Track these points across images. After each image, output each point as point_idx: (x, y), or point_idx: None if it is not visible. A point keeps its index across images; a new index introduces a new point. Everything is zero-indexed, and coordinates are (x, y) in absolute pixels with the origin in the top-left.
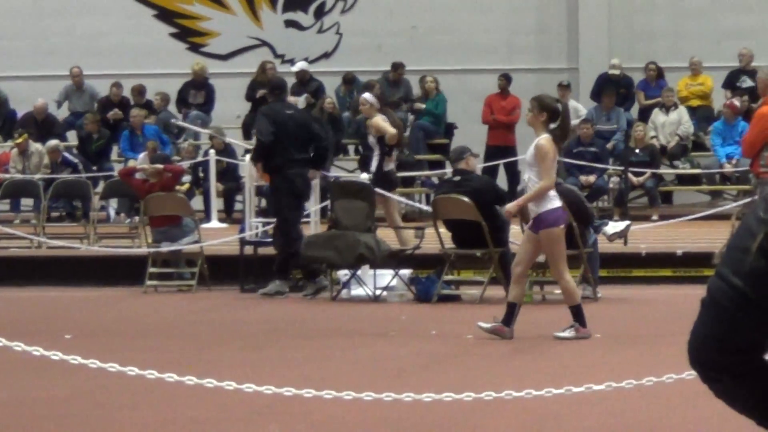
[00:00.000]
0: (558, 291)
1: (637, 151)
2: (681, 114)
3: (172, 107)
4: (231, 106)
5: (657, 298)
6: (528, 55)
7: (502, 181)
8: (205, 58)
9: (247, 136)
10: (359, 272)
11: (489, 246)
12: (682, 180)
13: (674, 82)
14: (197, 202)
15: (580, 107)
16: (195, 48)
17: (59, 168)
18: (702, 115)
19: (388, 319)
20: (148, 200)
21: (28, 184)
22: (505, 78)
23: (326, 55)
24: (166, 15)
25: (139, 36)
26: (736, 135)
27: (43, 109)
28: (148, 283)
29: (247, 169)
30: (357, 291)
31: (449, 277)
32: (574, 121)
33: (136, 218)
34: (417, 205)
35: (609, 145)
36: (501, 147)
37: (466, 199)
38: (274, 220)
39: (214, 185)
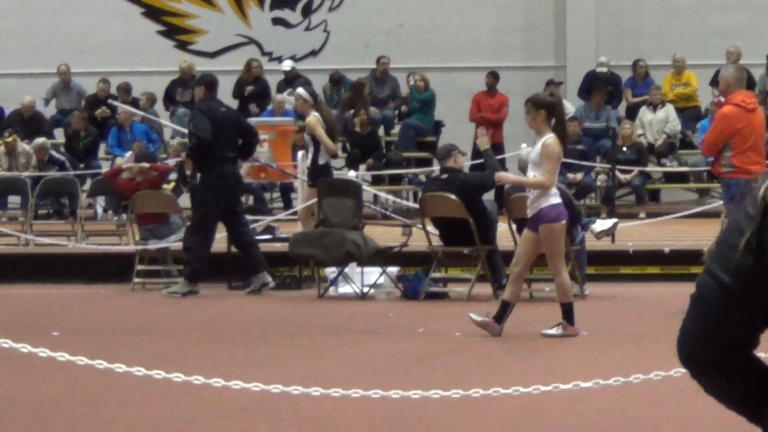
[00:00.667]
0: (546, 288)
1: (625, 149)
2: (668, 112)
3: (158, 106)
4: None
5: (644, 296)
6: (515, 53)
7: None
8: (193, 56)
9: None
10: (347, 270)
11: (477, 243)
12: (670, 178)
13: (660, 80)
14: (184, 200)
15: (568, 105)
16: (183, 46)
17: (46, 166)
18: (689, 114)
19: (376, 317)
20: (135, 198)
21: (15, 181)
22: (493, 76)
23: (314, 53)
24: (153, 13)
25: (126, 34)
26: None
27: (31, 107)
28: (136, 280)
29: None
30: (344, 288)
31: (437, 275)
32: None
33: (124, 216)
34: (404, 202)
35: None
36: None
37: (453, 196)
38: (262, 217)
39: None
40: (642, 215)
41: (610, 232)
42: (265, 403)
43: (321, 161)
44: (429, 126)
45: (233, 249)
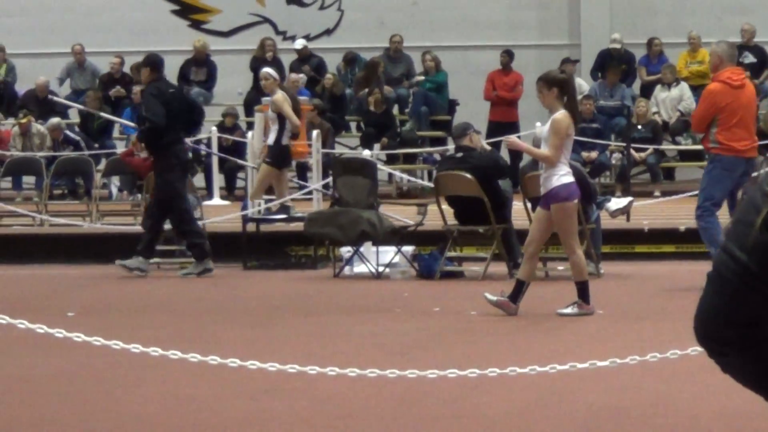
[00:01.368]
0: (561, 267)
1: (639, 127)
2: (683, 90)
3: None
4: (232, 83)
5: (660, 274)
6: (529, 31)
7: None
8: (207, 35)
9: (248, 113)
10: (362, 249)
11: (492, 222)
12: (685, 156)
13: (674, 58)
14: (199, 180)
15: (583, 83)
16: (196, 25)
17: (61, 146)
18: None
19: (391, 296)
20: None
21: (30, 161)
22: (508, 54)
23: (328, 32)
24: None
25: (140, 13)
26: None
27: (45, 87)
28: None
29: (250, 146)
30: (359, 268)
31: (452, 254)
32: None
33: (139, 195)
34: (419, 181)
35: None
36: (503, 123)
37: (468, 175)
38: (272, 197)
39: (216, 162)
40: (657, 193)
41: (625, 211)
42: (282, 383)
43: (284, 141)
44: (443, 105)
45: (247, 229)
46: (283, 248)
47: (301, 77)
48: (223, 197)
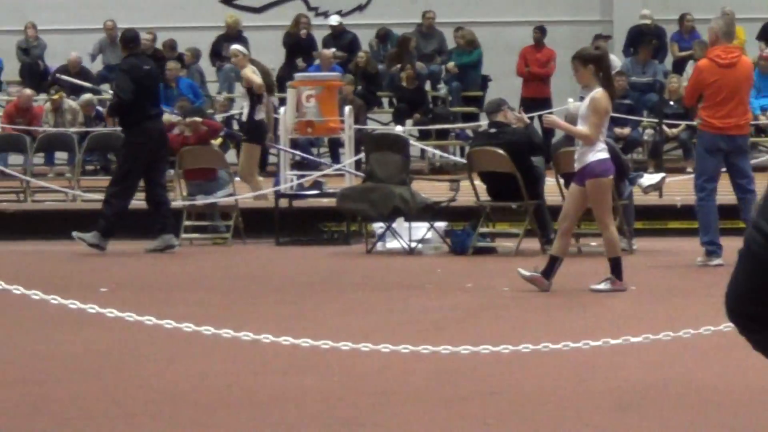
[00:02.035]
0: (594, 243)
1: (672, 103)
2: None
3: (202, 62)
4: (265, 59)
5: (692, 250)
6: (562, 7)
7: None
8: (239, 11)
9: (281, 89)
10: (394, 225)
11: (524, 198)
12: None
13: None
14: (231, 156)
15: (615, 59)
16: (228, 1)
17: (93, 122)
18: None
19: (424, 272)
20: (182, 153)
21: (62, 137)
22: (540, 30)
23: (360, 8)
24: None
25: None
26: None
27: (77, 63)
28: (183, 236)
29: (282, 121)
30: (392, 244)
31: (484, 230)
32: None
33: (171, 171)
34: (452, 157)
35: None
36: (536, 99)
37: (501, 151)
38: (309, 172)
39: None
40: (689, 169)
41: (657, 187)
42: (315, 359)
43: (257, 117)
44: (476, 81)
45: (280, 204)
46: (316, 224)
47: (334, 51)
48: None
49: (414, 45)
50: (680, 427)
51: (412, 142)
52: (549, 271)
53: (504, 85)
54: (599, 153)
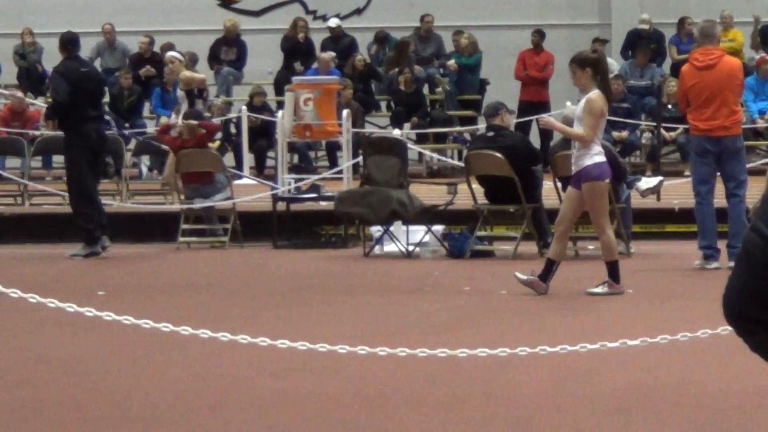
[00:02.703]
0: (591, 246)
1: (670, 106)
2: None
3: (201, 65)
4: (263, 62)
5: (690, 254)
6: (560, 10)
7: (534, 137)
8: (237, 14)
9: (279, 92)
10: (392, 228)
11: (522, 202)
12: None
13: None
14: (229, 159)
15: (613, 63)
16: (227, 4)
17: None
18: None
19: (422, 275)
20: (180, 156)
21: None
22: (539, 34)
23: (358, 11)
24: None
25: None
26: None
27: None
28: (181, 239)
29: (280, 125)
30: (390, 247)
31: (482, 233)
32: None
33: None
34: (449, 161)
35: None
36: (534, 103)
37: (499, 154)
38: (307, 176)
39: (246, 141)
40: (687, 173)
41: (655, 190)
42: (312, 362)
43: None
44: (474, 84)
45: (277, 208)
46: (313, 227)
47: (330, 54)
48: (253, 176)
49: (413, 49)
50: (678, 430)
51: (409, 145)
52: (546, 275)
53: (502, 88)
54: (596, 156)
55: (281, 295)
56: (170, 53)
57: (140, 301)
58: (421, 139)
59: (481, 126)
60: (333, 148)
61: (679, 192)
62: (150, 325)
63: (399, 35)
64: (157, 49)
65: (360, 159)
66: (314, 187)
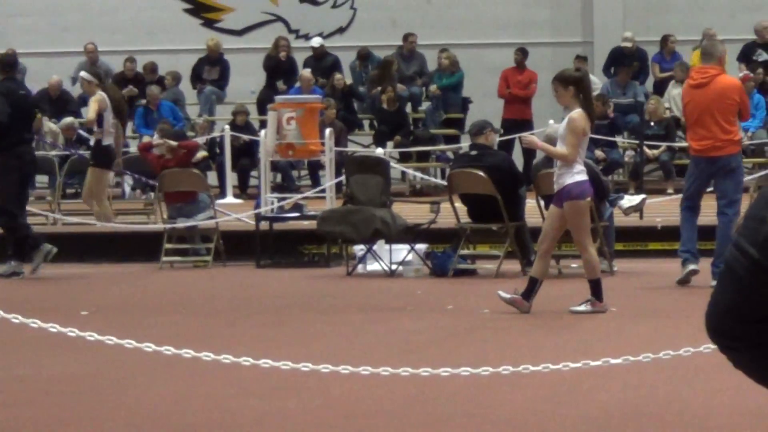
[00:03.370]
0: (574, 265)
1: (652, 124)
2: None
3: (182, 85)
4: (246, 81)
5: (673, 272)
6: (543, 29)
7: (518, 155)
8: (220, 33)
9: (262, 111)
10: (375, 247)
11: (505, 220)
12: None
13: (688, 56)
14: (212, 178)
15: (596, 80)
16: (209, 24)
17: (74, 145)
18: None
19: (404, 294)
20: (163, 176)
21: (43, 160)
22: (522, 52)
23: (341, 30)
24: None
25: (153, 12)
26: (752, 108)
27: (58, 86)
28: (164, 259)
29: (263, 144)
30: (373, 266)
31: (465, 252)
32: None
33: (152, 194)
34: (432, 179)
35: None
36: (517, 121)
37: (482, 173)
38: (290, 195)
39: (229, 161)
40: (670, 191)
41: (638, 208)
42: (295, 382)
43: (105, 142)
44: (457, 103)
45: (260, 227)
46: (296, 246)
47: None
48: (236, 195)
49: (396, 68)
50: None
51: (392, 164)
52: (529, 293)
53: (485, 106)
54: (577, 175)
55: (264, 314)
56: (82, 73)
57: (123, 321)
58: (404, 158)
59: (465, 144)
60: (316, 167)
61: (662, 210)
62: (133, 345)
63: (382, 54)
64: (140, 68)
65: (343, 178)
66: (297, 206)
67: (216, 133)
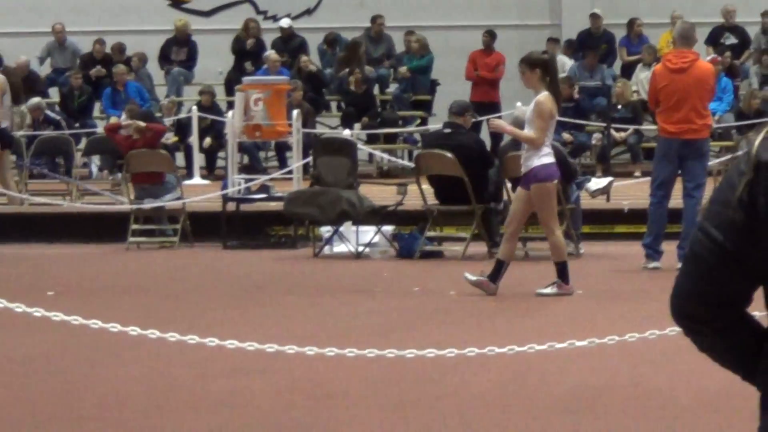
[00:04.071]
0: (541, 247)
1: (620, 107)
2: None
3: (150, 66)
4: (214, 62)
5: (639, 255)
6: (511, 11)
7: (485, 137)
8: (188, 14)
9: (230, 92)
10: (341, 229)
11: (472, 202)
12: None
13: (656, 39)
14: (179, 159)
15: (566, 61)
16: (177, 4)
17: (41, 125)
18: None
19: (371, 276)
20: (130, 157)
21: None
22: (490, 34)
23: (308, 12)
24: None
25: None
26: (719, 91)
27: (26, 66)
28: (131, 239)
29: (230, 125)
30: (339, 248)
31: (432, 234)
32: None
33: (119, 175)
34: (399, 161)
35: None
36: (485, 103)
37: (449, 154)
38: (257, 176)
39: (196, 142)
40: (637, 173)
41: (605, 191)
42: (260, 363)
43: (2, 124)
44: (425, 85)
45: (227, 208)
46: (263, 228)
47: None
48: (203, 176)
49: (363, 50)
50: (626, 431)
51: (359, 145)
52: (495, 275)
53: (453, 89)
54: (544, 157)
55: (230, 295)
56: None
57: (89, 302)
58: (371, 140)
59: (432, 126)
60: (282, 149)
61: (629, 193)
62: (98, 325)
63: (349, 36)
64: (108, 49)
65: (310, 159)
66: (264, 188)
67: (183, 114)
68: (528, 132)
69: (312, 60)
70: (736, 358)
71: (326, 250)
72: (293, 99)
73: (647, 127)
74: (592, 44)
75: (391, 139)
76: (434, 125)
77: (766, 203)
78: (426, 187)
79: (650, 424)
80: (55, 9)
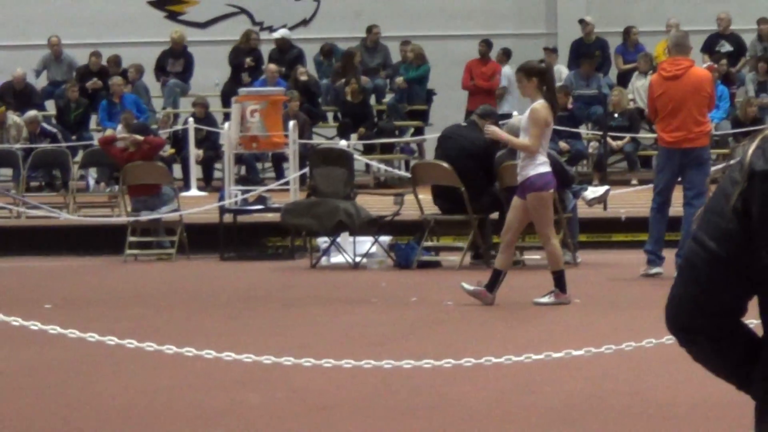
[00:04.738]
0: (537, 256)
1: (616, 115)
2: None
3: (146, 78)
4: (210, 74)
5: (637, 263)
6: (507, 20)
7: None
8: (184, 26)
9: (226, 104)
10: (339, 239)
11: (469, 212)
12: None
13: (652, 47)
14: (176, 171)
15: (563, 69)
16: (173, 16)
17: (38, 138)
18: None
19: (368, 286)
20: (127, 169)
21: (6, 154)
22: (486, 44)
23: (305, 22)
24: None
25: (117, 5)
26: (715, 99)
27: (22, 79)
28: (128, 252)
29: (227, 136)
30: (336, 258)
31: (429, 244)
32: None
33: (116, 187)
34: (396, 171)
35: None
36: None
37: (445, 164)
38: (254, 187)
39: (193, 154)
40: (634, 182)
41: (602, 199)
42: (257, 374)
43: None
44: (421, 95)
45: (224, 220)
46: (260, 239)
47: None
48: (200, 188)
49: (359, 60)
50: None
51: (356, 156)
52: (492, 285)
53: (449, 98)
54: (540, 167)
55: (227, 307)
56: None
57: (86, 314)
58: (368, 150)
59: (428, 136)
60: (279, 160)
61: (626, 201)
62: (95, 338)
63: (346, 46)
64: (104, 61)
65: (307, 170)
66: (261, 199)
67: (179, 126)
68: (523, 140)
69: (307, 70)
70: (732, 367)
71: (323, 260)
72: (290, 110)
73: (644, 136)
74: (585, 52)
75: (387, 149)
76: (431, 135)
77: (759, 212)
78: (423, 197)
79: None
80: (51, 22)
